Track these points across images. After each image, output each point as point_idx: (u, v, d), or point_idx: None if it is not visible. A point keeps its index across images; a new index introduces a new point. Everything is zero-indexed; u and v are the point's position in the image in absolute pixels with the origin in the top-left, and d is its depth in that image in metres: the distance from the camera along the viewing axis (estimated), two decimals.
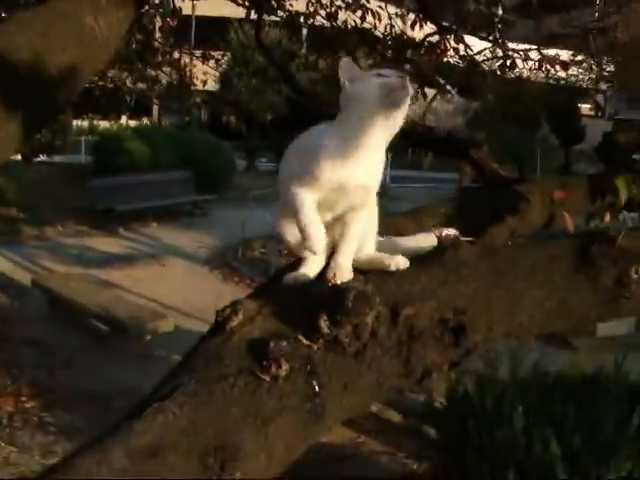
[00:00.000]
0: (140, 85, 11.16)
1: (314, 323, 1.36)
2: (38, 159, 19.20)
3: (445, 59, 6.88)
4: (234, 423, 1.28)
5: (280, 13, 6.93)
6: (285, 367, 1.32)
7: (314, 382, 1.34)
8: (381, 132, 1.49)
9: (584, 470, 3.07)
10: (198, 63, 9.86)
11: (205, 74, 10.16)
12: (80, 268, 11.04)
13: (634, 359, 4.59)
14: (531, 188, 3.09)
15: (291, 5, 6.98)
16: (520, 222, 2.94)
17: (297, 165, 1.55)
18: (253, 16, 6.19)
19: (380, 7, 6.88)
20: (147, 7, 7.75)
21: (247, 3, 6.63)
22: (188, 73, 9.86)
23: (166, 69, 9.69)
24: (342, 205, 1.55)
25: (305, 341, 1.36)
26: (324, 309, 1.36)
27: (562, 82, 17.10)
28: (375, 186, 1.56)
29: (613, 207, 3.38)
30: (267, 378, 1.32)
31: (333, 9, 6.64)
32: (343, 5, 6.75)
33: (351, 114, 1.49)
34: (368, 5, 6.82)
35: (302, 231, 1.50)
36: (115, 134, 19.36)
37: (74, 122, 25.52)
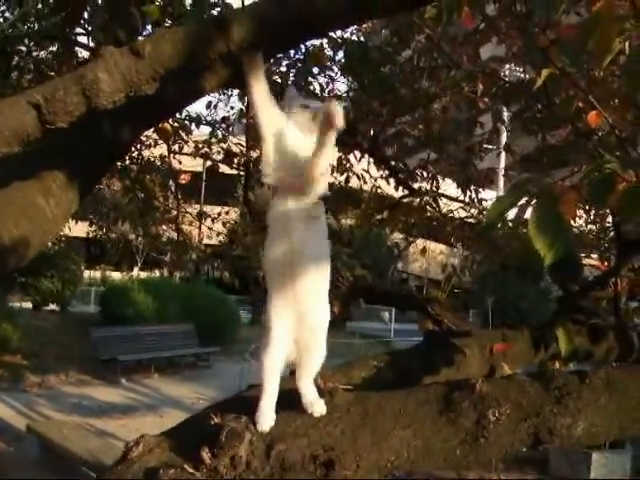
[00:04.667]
0: (141, 240, 11.77)
1: (199, 455, 1.63)
2: (48, 308, 19.65)
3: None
4: None
5: None
6: None
7: None
8: None
9: None
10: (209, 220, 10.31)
11: (210, 229, 10.64)
12: (78, 417, 11.19)
13: None
14: (469, 342, 3.34)
15: None
16: (456, 373, 3.17)
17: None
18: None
19: (364, 170, 7.36)
20: (150, 169, 8.32)
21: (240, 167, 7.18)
22: (187, 229, 10.33)
23: (167, 225, 10.17)
24: (298, 302, 1.78)
25: (189, 470, 1.62)
26: (207, 443, 1.63)
27: None
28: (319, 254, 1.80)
29: (559, 357, 3.60)
30: None
31: None
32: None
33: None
34: (353, 169, 7.34)
35: (261, 386, 1.76)
36: (122, 285, 19.88)
37: (87, 273, 26.22)
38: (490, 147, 8.13)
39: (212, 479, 1.62)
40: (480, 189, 7.38)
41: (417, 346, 3.35)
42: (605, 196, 1.70)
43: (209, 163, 7.79)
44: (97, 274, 29.56)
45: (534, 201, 1.61)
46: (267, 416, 1.73)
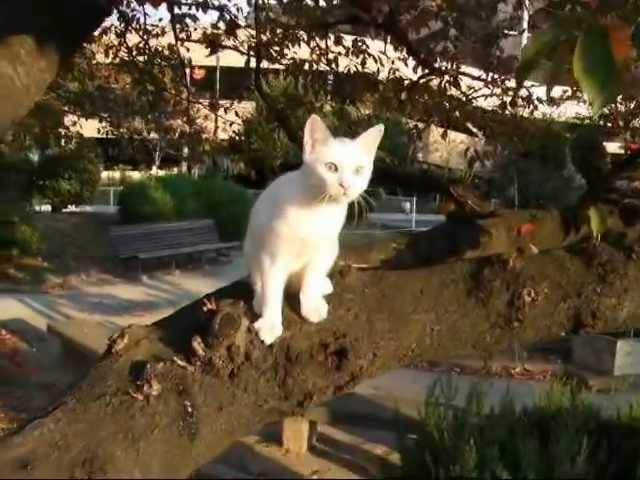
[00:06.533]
0: (154, 135, 11.46)
1: (190, 346, 1.42)
2: (67, 209, 19.57)
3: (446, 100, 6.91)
4: (104, 438, 1.33)
5: (284, 61, 7.08)
6: (156, 387, 1.37)
7: (186, 402, 1.39)
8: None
9: None
10: (222, 111, 9.97)
11: (225, 122, 10.30)
12: (99, 315, 11.19)
13: None
14: (495, 222, 3.10)
15: (295, 53, 7.10)
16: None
17: (265, 217, 1.56)
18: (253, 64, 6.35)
19: (381, 52, 6.97)
20: (159, 59, 7.97)
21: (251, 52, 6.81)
22: (201, 123, 10.03)
23: (180, 119, 9.89)
24: (307, 255, 1.55)
25: (181, 363, 1.41)
26: (199, 332, 1.41)
27: (586, 120, 17.00)
28: (335, 235, 1.57)
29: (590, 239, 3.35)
30: (140, 397, 1.37)
31: (333, 56, 6.75)
32: (344, 52, 6.87)
33: (306, 178, 1.49)
34: (369, 51, 6.94)
35: (263, 297, 1.53)
36: (139, 184, 19.69)
37: (106, 173, 26.07)
38: (512, 33, 7.71)
39: (207, 373, 1.42)
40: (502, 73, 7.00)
41: (440, 227, 3.13)
42: None
43: (219, 54, 7.41)
44: (116, 174, 29.41)
45: (580, 37, 1.33)
46: (272, 326, 1.50)
